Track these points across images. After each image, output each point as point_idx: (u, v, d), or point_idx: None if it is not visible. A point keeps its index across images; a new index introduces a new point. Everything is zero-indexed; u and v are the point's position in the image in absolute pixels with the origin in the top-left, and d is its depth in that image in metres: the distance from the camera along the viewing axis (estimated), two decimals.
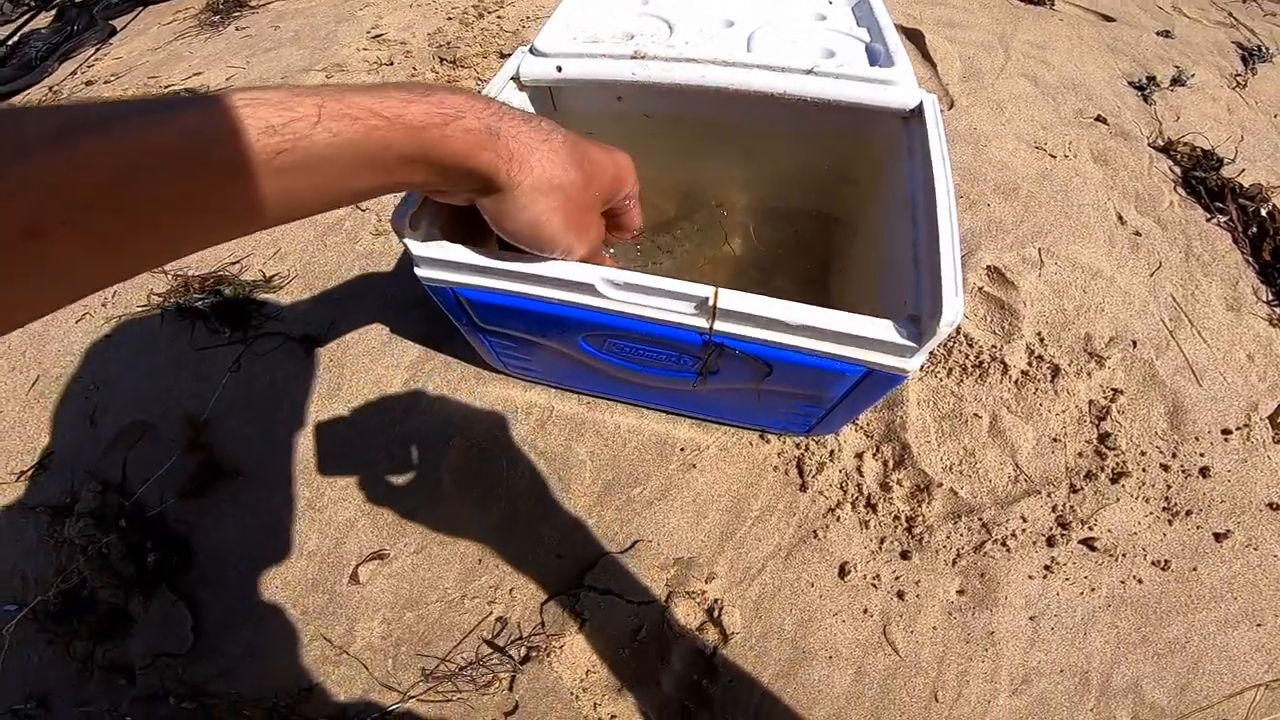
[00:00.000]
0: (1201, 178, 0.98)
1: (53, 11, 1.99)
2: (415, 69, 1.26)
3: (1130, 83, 1.26)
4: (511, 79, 0.60)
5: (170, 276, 0.91)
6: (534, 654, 0.61)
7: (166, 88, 1.43)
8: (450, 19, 1.42)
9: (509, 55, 1.25)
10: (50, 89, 1.58)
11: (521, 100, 0.61)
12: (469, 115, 0.30)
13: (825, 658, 0.61)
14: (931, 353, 0.73)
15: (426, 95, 0.29)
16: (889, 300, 0.47)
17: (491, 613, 0.64)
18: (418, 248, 0.47)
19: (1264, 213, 0.92)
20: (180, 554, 0.68)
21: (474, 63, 1.24)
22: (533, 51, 0.60)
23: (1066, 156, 0.99)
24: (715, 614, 0.63)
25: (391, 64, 1.30)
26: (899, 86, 0.53)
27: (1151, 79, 1.28)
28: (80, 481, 0.73)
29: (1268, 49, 1.57)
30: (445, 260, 0.47)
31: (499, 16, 1.39)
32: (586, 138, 0.39)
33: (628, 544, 0.67)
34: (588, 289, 0.46)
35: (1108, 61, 1.33)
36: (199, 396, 0.78)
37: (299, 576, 0.66)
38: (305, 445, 0.74)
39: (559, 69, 0.59)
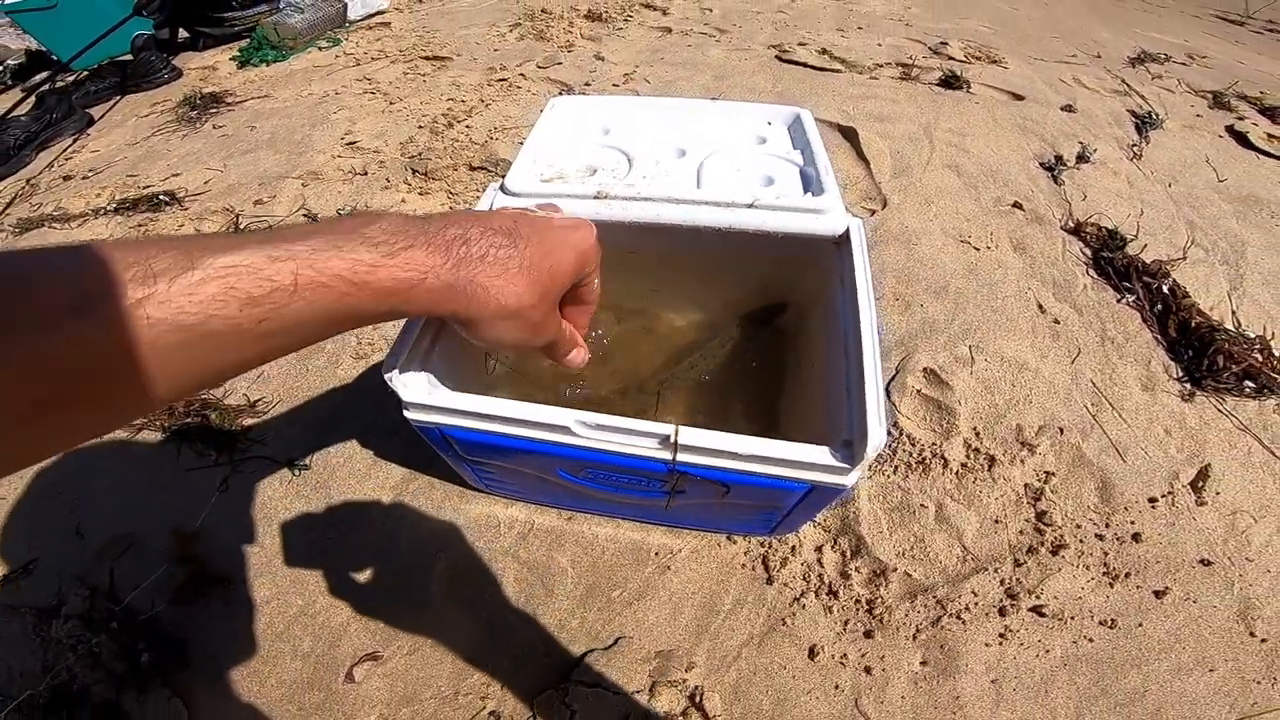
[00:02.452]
0: (1109, 258, 1.10)
1: (31, 98, 2.03)
2: (389, 180, 1.33)
3: (1041, 164, 1.40)
4: None
5: None
6: None
7: (145, 189, 1.48)
8: (421, 128, 1.51)
9: (478, 168, 1.35)
10: (27, 181, 1.61)
11: None
12: (430, 276, 0.33)
13: None
14: (879, 454, 0.80)
15: (391, 255, 0.32)
16: (831, 421, 0.53)
17: (485, 707, 0.66)
18: (407, 394, 0.52)
19: (1165, 289, 1.03)
20: (175, 654, 0.69)
21: (445, 174, 1.32)
22: (504, 190, 0.67)
23: (989, 248, 1.09)
24: (697, 699, 0.66)
25: (365, 174, 1.37)
26: (829, 214, 0.61)
27: (1059, 158, 1.43)
28: (68, 586, 0.74)
29: (1158, 115, 1.76)
30: (433, 405, 0.52)
31: (467, 126, 1.49)
32: (550, 215, 0.44)
33: (610, 641, 0.70)
34: (563, 430, 0.51)
35: (1020, 143, 1.48)
36: (188, 512, 0.80)
37: (295, 676, 0.68)
38: (296, 558, 0.76)
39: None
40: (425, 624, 0.71)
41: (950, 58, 1.98)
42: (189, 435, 0.86)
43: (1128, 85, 1.98)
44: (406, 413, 0.54)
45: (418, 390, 0.52)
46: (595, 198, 0.65)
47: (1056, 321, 0.98)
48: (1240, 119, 1.83)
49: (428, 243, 0.34)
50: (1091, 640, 0.69)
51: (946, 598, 0.71)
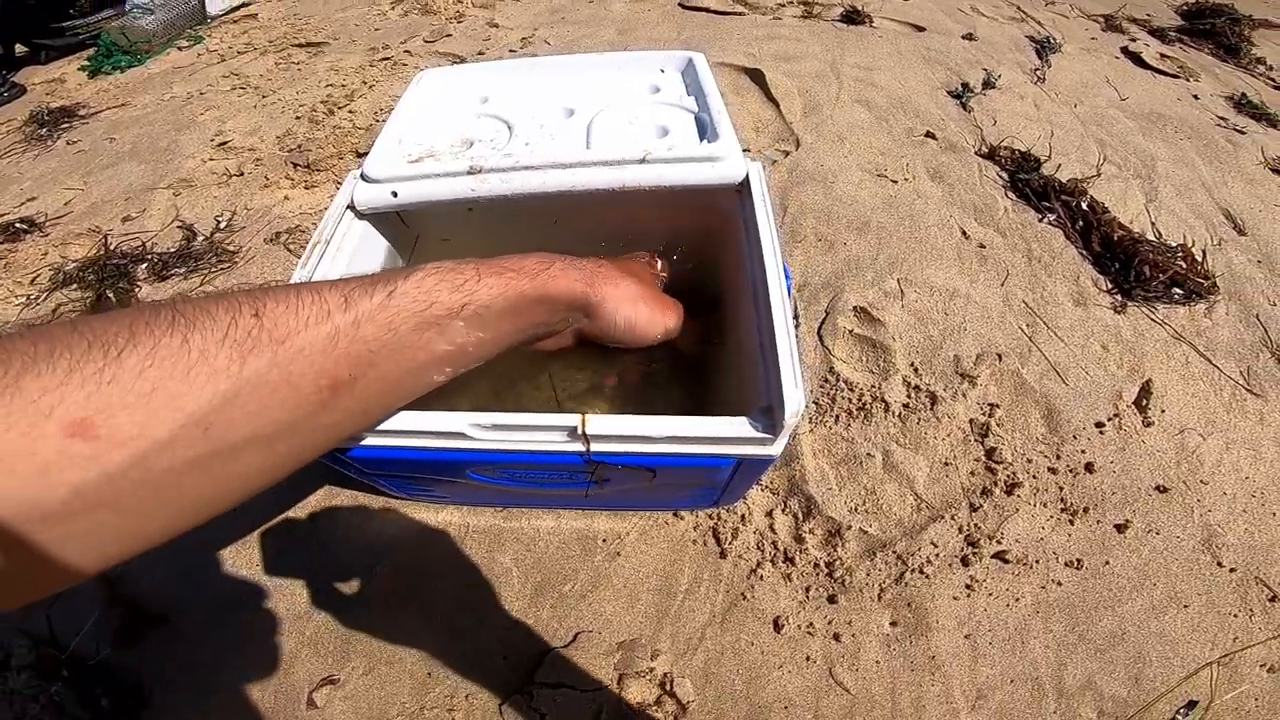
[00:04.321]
0: (1026, 179, 1.08)
1: None
2: (268, 177, 1.19)
3: (949, 92, 1.38)
4: (347, 207, 0.57)
5: None
6: None
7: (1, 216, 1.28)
8: (299, 119, 1.36)
9: (365, 154, 1.22)
10: None
11: (363, 228, 0.58)
12: (556, 263, 0.41)
13: (781, 709, 0.60)
14: (817, 402, 0.75)
15: (525, 255, 0.41)
16: (750, 387, 0.47)
17: (453, 719, 0.59)
18: None
19: (1085, 206, 1.02)
20: (133, 697, 0.63)
21: (330, 164, 1.19)
22: (364, 178, 0.58)
23: (906, 179, 1.06)
24: (668, 687, 0.62)
25: (242, 174, 1.22)
26: (726, 161, 0.55)
27: (966, 86, 1.42)
28: (7, 638, 0.66)
29: (1055, 39, 1.78)
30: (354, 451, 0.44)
31: (350, 112, 1.35)
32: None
33: (569, 638, 0.65)
34: (457, 436, 0.44)
35: (926, 74, 1.46)
36: None
37: (256, 706, 0.60)
38: (229, 588, 0.68)
39: (394, 194, 0.57)
40: (375, 642, 0.64)
41: None
42: None
43: (1023, 12, 1.99)
44: None
45: None
46: (469, 173, 0.57)
47: (982, 246, 0.96)
48: (1133, 40, 1.88)
49: (544, 253, 0.43)
50: (1060, 584, 0.67)
51: (906, 552, 0.68)
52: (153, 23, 2.07)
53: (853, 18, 1.70)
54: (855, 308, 0.85)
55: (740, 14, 1.68)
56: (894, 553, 0.68)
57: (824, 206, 1.01)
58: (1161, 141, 1.33)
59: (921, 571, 0.67)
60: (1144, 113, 1.43)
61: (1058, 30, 1.87)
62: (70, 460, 0.23)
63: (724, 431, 0.41)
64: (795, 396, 0.40)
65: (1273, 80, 1.67)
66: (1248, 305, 0.95)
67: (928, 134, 1.20)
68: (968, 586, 0.66)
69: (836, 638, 0.64)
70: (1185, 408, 0.81)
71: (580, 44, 1.57)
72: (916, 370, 0.79)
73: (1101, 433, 0.77)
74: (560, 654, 0.63)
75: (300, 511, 0.73)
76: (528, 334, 0.42)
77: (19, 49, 2.29)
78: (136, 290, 0.99)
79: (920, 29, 1.73)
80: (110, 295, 0.97)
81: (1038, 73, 1.57)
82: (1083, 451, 0.75)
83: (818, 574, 0.67)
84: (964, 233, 0.97)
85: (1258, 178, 1.25)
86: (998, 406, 0.77)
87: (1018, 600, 0.66)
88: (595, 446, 0.44)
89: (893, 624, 0.65)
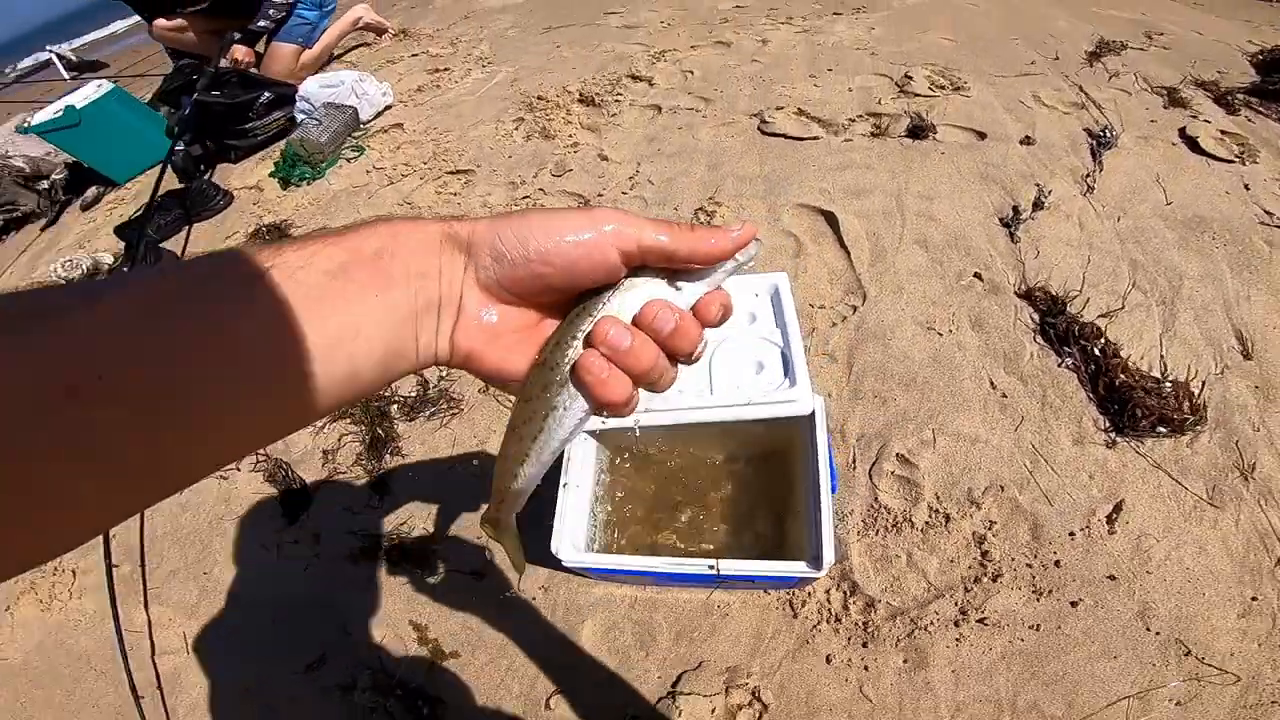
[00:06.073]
0: (1053, 323, 1.46)
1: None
2: None
3: (1000, 220, 1.76)
4: None
5: None
6: None
7: None
8: None
9: None
10: None
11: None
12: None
13: (828, 711, 1.08)
14: (864, 522, 1.20)
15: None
16: (808, 538, 0.94)
17: (627, 712, 1.13)
18: (571, 562, 0.94)
19: (1098, 351, 1.40)
20: (440, 707, 1.20)
21: None
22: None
23: (951, 330, 1.48)
24: (756, 695, 1.10)
25: None
26: (800, 401, 1.00)
27: (1016, 211, 1.78)
28: (355, 669, 1.26)
29: (1114, 131, 2.08)
30: (591, 568, 0.95)
31: None
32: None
33: (695, 664, 1.14)
34: (685, 579, 0.94)
35: (982, 197, 1.84)
36: (412, 609, 1.28)
37: (515, 710, 1.17)
38: (488, 640, 1.25)
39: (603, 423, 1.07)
40: (585, 663, 1.18)
41: (915, 94, 2.32)
42: (392, 556, 1.37)
43: (1085, 95, 2.30)
44: (566, 564, 0.96)
45: (585, 558, 0.95)
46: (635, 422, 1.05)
47: (1004, 395, 1.37)
48: (1194, 116, 2.16)
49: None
50: (1023, 640, 1.10)
51: (917, 618, 1.12)
52: (322, 133, 2.76)
53: (917, 132, 2.09)
54: (897, 454, 1.31)
55: (815, 138, 2.12)
56: (909, 618, 1.13)
57: (881, 364, 1.46)
58: (1196, 253, 1.64)
59: (926, 629, 1.11)
60: (1186, 218, 1.74)
61: (1117, 114, 2.17)
62: None
63: (790, 571, 0.90)
64: (830, 554, 0.87)
65: None
66: (1231, 432, 1.30)
67: (976, 274, 1.60)
68: (957, 639, 1.10)
69: (866, 668, 1.10)
70: (1149, 519, 1.19)
71: (677, 183, 2.08)
72: (938, 498, 1.23)
73: (1072, 539, 1.18)
74: (690, 673, 1.15)
75: (536, 584, 1.28)
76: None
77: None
78: (395, 426, 1.58)
79: (981, 136, 2.09)
80: (380, 431, 1.56)
81: (1089, 179, 1.91)
82: (1055, 552, 1.17)
83: (856, 629, 1.13)
84: (992, 383, 1.39)
85: None
86: (995, 523, 1.19)
87: (991, 649, 1.09)
88: (724, 571, 0.93)
89: (904, 661, 1.10)
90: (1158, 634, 1.09)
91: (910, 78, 2.41)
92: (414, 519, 1.43)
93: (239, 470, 1.64)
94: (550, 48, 3.17)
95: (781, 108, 2.28)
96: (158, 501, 0.30)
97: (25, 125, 3.15)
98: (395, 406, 1.65)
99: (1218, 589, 1.11)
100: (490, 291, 0.41)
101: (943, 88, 2.36)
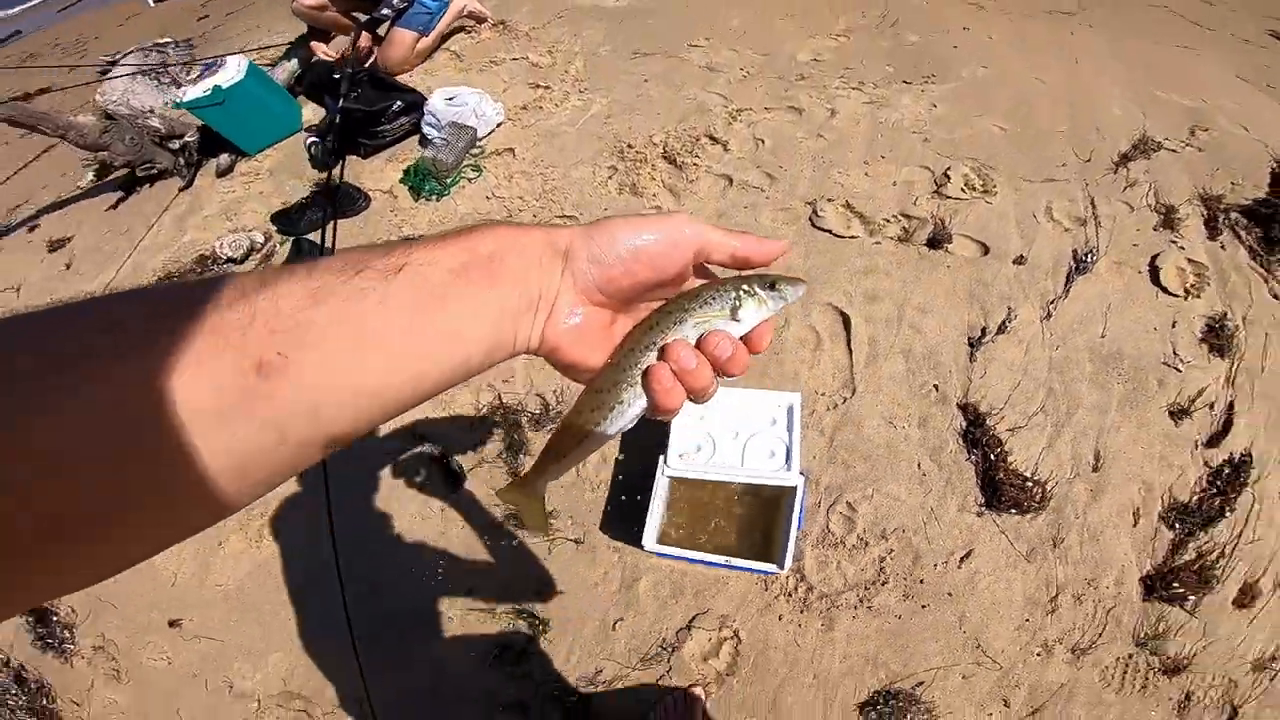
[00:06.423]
0: (973, 432, 2.61)
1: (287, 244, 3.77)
2: None
3: (969, 339, 2.86)
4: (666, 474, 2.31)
5: None
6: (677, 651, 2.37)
7: None
8: None
9: None
10: None
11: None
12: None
13: (774, 649, 2.33)
14: (819, 539, 2.44)
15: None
16: (780, 552, 2.18)
17: (662, 640, 2.39)
18: (650, 548, 2.20)
19: (993, 455, 2.55)
20: (545, 625, 2.47)
21: None
22: (665, 461, 2.31)
23: (904, 426, 2.63)
24: (736, 634, 2.37)
25: None
26: (791, 480, 2.21)
27: (984, 331, 2.87)
28: (495, 594, 2.53)
29: (1096, 255, 3.11)
30: (658, 551, 2.22)
31: None
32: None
33: (704, 610, 2.41)
34: (709, 563, 2.20)
35: (964, 315, 2.93)
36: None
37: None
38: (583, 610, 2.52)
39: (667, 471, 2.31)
40: (638, 603, 2.43)
41: (947, 196, 3.35)
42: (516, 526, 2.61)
43: (1093, 208, 3.29)
44: (650, 549, 2.22)
45: (650, 543, 2.21)
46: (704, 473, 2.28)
47: (924, 474, 2.53)
48: (1174, 242, 3.15)
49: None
50: (889, 624, 2.32)
51: (834, 601, 2.36)
52: (449, 153, 3.87)
53: (935, 242, 3.15)
54: (847, 502, 2.49)
55: (854, 237, 3.20)
56: (830, 600, 2.35)
57: (852, 442, 2.61)
58: (1098, 387, 2.74)
59: (838, 608, 2.34)
60: (1108, 353, 2.82)
61: (1110, 233, 3.18)
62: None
63: (766, 567, 2.15)
64: (788, 563, 2.10)
65: None
66: (1059, 518, 2.46)
67: (934, 386, 2.73)
68: (853, 617, 2.32)
69: (799, 626, 2.34)
70: (984, 563, 2.38)
71: None
72: (864, 532, 2.43)
73: (935, 568, 2.37)
74: (700, 616, 2.40)
75: (612, 553, 2.53)
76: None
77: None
78: (527, 436, 2.81)
79: (986, 250, 3.14)
80: (515, 436, 2.80)
81: (1053, 305, 2.98)
82: (922, 575, 2.36)
83: (799, 602, 2.36)
84: (919, 465, 2.55)
85: (1149, 422, 2.66)
86: (894, 551, 2.39)
87: (869, 625, 2.31)
88: (731, 563, 2.18)
89: (821, 625, 2.33)
90: (965, 633, 2.29)
91: (948, 176, 3.40)
92: None
93: (409, 457, 2.90)
94: (639, 80, 4.16)
95: (832, 200, 3.33)
96: (312, 462, 0.47)
97: (177, 100, 4.29)
98: (524, 418, 2.87)
99: (1009, 611, 2.31)
100: (584, 293, 0.59)
101: (974, 188, 3.38)
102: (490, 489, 2.76)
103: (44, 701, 2.78)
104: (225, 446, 0.40)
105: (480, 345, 0.54)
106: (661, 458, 2.30)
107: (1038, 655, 2.26)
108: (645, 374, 0.62)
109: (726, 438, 2.31)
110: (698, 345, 0.63)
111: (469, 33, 4.85)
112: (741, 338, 0.66)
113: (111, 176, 4.85)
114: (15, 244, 4.92)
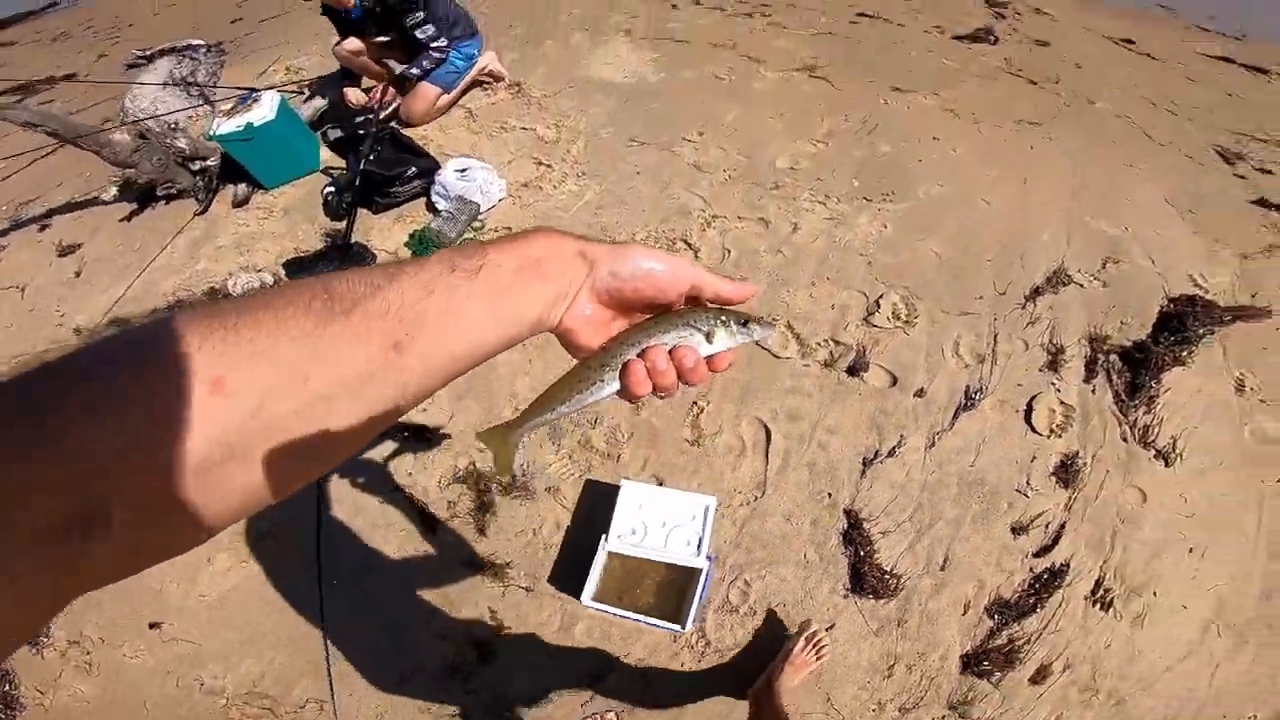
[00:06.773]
0: (852, 534, 4.00)
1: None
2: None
3: (863, 459, 4.23)
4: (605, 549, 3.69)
5: None
6: None
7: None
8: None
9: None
10: None
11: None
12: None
13: (669, 680, 3.72)
14: (718, 606, 3.85)
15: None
16: (685, 614, 3.56)
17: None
18: (586, 604, 3.60)
19: (863, 552, 3.92)
20: (492, 651, 3.86)
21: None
22: (606, 539, 3.69)
23: (799, 524, 3.99)
24: (643, 675, 3.76)
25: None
26: (699, 563, 3.57)
27: (877, 453, 4.24)
28: (454, 629, 3.91)
29: (986, 389, 4.46)
30: (593, 606, 3.62)
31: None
32: None
33: (624, 654, 3.79)
34: (632, 619, 3.61)
35: (863, 439, 4.27)
36: None
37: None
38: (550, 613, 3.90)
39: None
40: (574, 645, 3.80)
41: (873, 325, 4.71)
42: (483, 569, 3.98)
43: (993, 346, 4.64)
44: (587, 604, 3.61)
45: (588, 600, 3.59)
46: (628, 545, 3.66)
47: (809, 562, 3.89)
48: (1052, 383, 4.45)
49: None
50: (745, 667, 3.72)
51: (721, 653, 3.72)
52: (453, 228, 5.17)
53: (854, 369, 4.50)
54: (744, 579, 3.79)
55: (788, 358, 4.54)
56: (716, 652, 3.71)
57: (756, 533, 3.91)
58: (959, 506, 4.10)
59: (721, 656, 3.71)
60: (973, 479, 4.18)
61: (1001, 370, 4.52)
62: (211, 412, 0.53)
63: (674, 627, 3.45)
64: (690, 625, 3.43)
65: (1138, 432, 4.36)
66: (905, 604, 3.78)
67: (829, 494, 4.09)
68: (726, 664, 3.71)
69: (695, 668, 3.72)
70: (842, 633, 3.66)
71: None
72: (754, 603, 3.71)
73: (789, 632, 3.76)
74: (617, 660, 3.78)
75: (558, 604, 3.90)
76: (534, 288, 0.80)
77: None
78: (495, 499, 4.16)
79: (894, 380, 4.51)
80: (485, 499, 4.16)
81: (938, 436, 4.36)
82: (785, 631, 3.75)
83: (696, 652, 3.69)
84: (805, 555, 3.90)
85: (994, 535, 3.98)
86: (770, 620, 3.75)
87: (729, 670, 3.70)
88: (647, 620, 3.57)
89: (707, 668, 3.71)
90: (819, 688, 3.64)
91: (879, 304, 4.74)
92: (500, 552, 4.02)
93: (394, 506, 4.21)
94: (631, 171, 5.37)
95: (776, 320, 4.70)
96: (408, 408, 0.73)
97: (210, 133, 5.45)
98: (495, 486, 4.20)
99: (856, 674, 3.64)
100: (598, 294, 0.86)
101: (899, 317, 4.72)
102: (462, 537, 4.07)
103: (6, 687, 3.43)
104: (376, 396, 0.67)
105: (527, 324, 0.82)
106: (604, 536, 3.61)
107: (873, 711, 3.56)
108: (625, 365, 0.88)
109: (656, 526, 3.65)
110: (671, 354, 0.88)
111: (485, 90, 6.11)
112: (707, 357, 0.91)
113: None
114: (24, 240, 5.96)
